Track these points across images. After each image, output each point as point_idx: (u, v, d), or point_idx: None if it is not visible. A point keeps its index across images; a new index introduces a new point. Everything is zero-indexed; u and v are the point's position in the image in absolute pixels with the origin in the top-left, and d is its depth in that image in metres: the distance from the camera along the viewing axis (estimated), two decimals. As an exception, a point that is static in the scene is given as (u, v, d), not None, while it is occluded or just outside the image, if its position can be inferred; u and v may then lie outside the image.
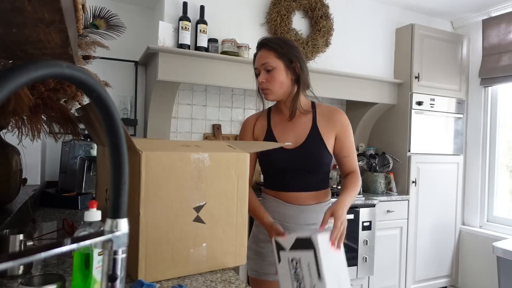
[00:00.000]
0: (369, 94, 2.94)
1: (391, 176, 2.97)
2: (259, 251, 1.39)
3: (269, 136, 1.40)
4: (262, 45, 1.34)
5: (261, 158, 1.40)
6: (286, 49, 1.30)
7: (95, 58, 1.48)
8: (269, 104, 1.47)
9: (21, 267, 0.92)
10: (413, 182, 2.94)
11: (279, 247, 1.17)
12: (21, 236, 0.93)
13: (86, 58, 1.44)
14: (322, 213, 1.32)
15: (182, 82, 2.30)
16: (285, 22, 2.60)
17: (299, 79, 1.33)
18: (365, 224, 2.56)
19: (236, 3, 2.52)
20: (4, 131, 1.26)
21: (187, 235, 0.95)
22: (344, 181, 1.35)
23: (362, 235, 2.55)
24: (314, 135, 1.33)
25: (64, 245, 0.36)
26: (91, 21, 1.51)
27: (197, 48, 2.32)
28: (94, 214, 0.75)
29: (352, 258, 2.53)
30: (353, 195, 1.27)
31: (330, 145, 1.34)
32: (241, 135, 1.49)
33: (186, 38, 2.27)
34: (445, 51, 3.09)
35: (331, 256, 1.15)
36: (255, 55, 1.37)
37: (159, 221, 0.91)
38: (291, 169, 1.35)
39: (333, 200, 1.33)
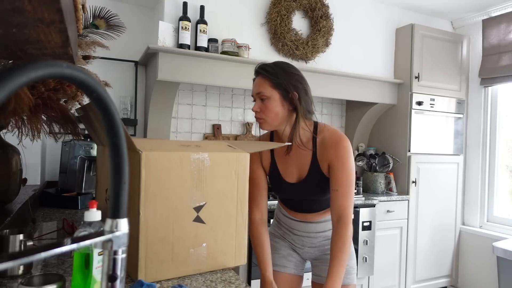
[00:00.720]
0: (369, 94, 2.94)
1: (391, 176, 2.97)
2: (272, 245, 1.42)
3: (274, 169, 1.34)
4: (258, 72, 1.25)
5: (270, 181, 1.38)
6: (283, 78, 1.21)
7: (95, 58, 1.48)
8: None
9: (21, 267, 0.92)
10: (413, 182, 2.94)
11: None
12: (21, 236, 0.94)
13: (86, 58, 1.44)
14: (331, 223, 1.30)
15: (182, 82, 2.30)
16: (285, 22, 2.60)
17: (297, 109, 1.23)
18: (365, 224, 2.55)
19: (236, 3, 2.52)
20: (4, 131, 1.26)
21: (187, 235, 0.95)
22: (331, 241, 1.21)
23: (362, 235, 2.55)
24: (315, 168, 1.26)
25: (64, 245, 0.36)
26: (91, 21, 1.51)
27: (197, 48, 2.32)
28: (94, 214, 0.75)
29: (352, 258, 2.52)
30: (344, 263, 1.17)
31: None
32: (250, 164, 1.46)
33: (186, 38, 2.27)
34: (445, 51, 3.09)
35: None
36: (253, 80, 1.30)
37: (159, 221, 0.91)
38: (295, 199, 1.36)
39: None
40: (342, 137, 1.24)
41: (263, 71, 1.23)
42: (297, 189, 1.31)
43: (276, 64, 1.26)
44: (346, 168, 1.21)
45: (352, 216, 1.25)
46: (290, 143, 1.30)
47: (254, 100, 1.27)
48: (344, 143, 1.23)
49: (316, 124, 1.29)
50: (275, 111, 1.21)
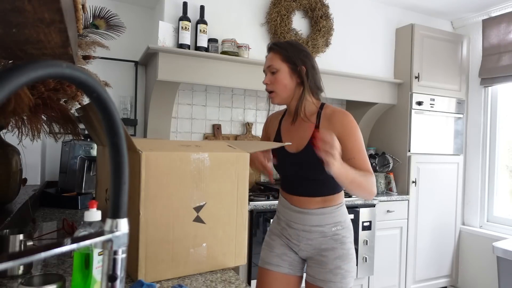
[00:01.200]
0: (369, 94, 2.94)
1: (391, 176, 2.97)
2: (269, 242, 1.43)
3: (277, 136, 1.43)
4: (270, 48, 1.36)
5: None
6: (292, 52, 1.31)
7: (95, 58, 1.48)
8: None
9: (21, 267, 0.92)
10: (413, 182, 2.94)
11: None
12: (21, 236, 0.94)
13: (86, 58, 1.44)
14: (328, 217, 1.32)
15: (182, 82, 2.30)
16: (285, 22, 2.60)
17: (304, 82, 1.32)
18: (365, 224, 2.55)
19: (236, 3, 2.52)
20: (4, 131, 1.26)
21: (187, 235, 0.95)
22: None
23: (362, 235, 2.55)
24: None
25: (64, 245, 0.36)
26: (91, 21, 1.51)
27: (197, 48, 2.32)
28: (94, 214, 0.75)
29: (352, 258, 2.52)
30: (354, 179, 1.18)
31: None
32: (262, 132, 1.58)
33: (186, 38, 2.27)
34: (445, 51, 3.09)
35: None
36: (266, 57, 1.40)
37: (159, 221, 0.91)
38: (293, 175, 1.36)
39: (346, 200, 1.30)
40: (347, 113, 1.31)
41: (275, 45, 1.34)
42: (294, 159, 1.33)
43: (287, 41, 1.39)
44: (357, 138, 1.27)
45: (374, 192, 1.25)
46: (290, 143, 1.31)
47: (266, 76, 1.36)
48: (350, 117, 1.30)
49: (323, 104, 1.37)
50: (284, 83, 1.31)
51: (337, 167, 1.09)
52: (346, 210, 1.39)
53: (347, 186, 1.19)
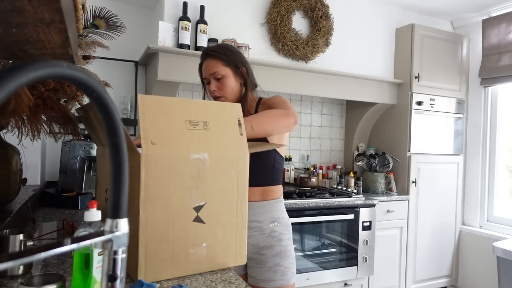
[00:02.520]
0: (369, 94, 2.94)
1: (391, 176, 2.97)
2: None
3: None
4: (208, 55, 1.37)
5: None
6: (232, 56, 1.35)
7: (95, 58, 1.48)
8: None
9: (21, 267, 0.92)
10: (413, 182, 2.94)
11: None
12: (21, 236, 0.93)
13: (86, 58, 1.44)
14: (266, 211, 1.35)
15: (182, 82, 2.30)
16: (285, 22, 2.60)
17: (247, 82, 1.38)
18: (365, 224, 2.56)
19: (236, 3, 2.52)
20: (4, 131, 1.26)
21: (187, 235, 0.95)
22: None
23: (362, 235, 2.55)
24: None
25: (64, 245, 0.36)
26: (91, 21, 1.51)
27: (197, 48, 2.32)
28: (94, 214, 0.75)
29: (352, 258, 2.53)
30: (257, 115, 1.20)
31: (272, 139, 1.33)
32: None
33: (186, 38, 2.27)
34: (445, 51, 3.09)
35: None
36: (200, 66, 1.40)
37: (159, 221, 0.91)
38: None
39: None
40: (274, 96, 1.39)
41: (213, 52, 1.35)
42: None
43: (220, 45, 1.41)
44: (276, 98, 1.35)
45: (292, 113, 1.24)
46: (286, 145, 1.31)
47: (207, 83, 1.38)
48: (275, 96, 1.37)
49: (260, 98, 1.44)
50: (231, 86, 1.35)
51: None
52: (284, 207, 1.42)
53: (256, 132, 1.18)
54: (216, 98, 1.37)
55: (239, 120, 1.08)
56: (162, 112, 0.93)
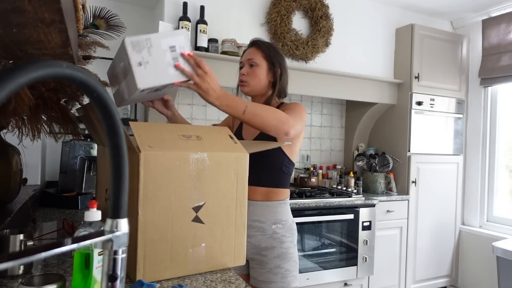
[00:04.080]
0: (369, 94, 2.94)
1: (391, 176, 2.97)
2: None
3: (239, 129, 1.49)
4: (254, 43, 1.43)
5: None
6: (273, 53, 1.40)
7: (95, 58, 1.48)
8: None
9: (21, 267, 0.92)
10: (413, 182, 2.94)
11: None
12: (21, 236, 0.94)
13: (86, 58, 1.44)
14: (270, 212, 1.34)
15: (182, 82, 2.30)
16: (285, 22, 2.60)
17: (276, 84, 1.40)
18: (365, 224, 2.56)
19: (236, 3, 2.52)
20: (4, 131, 1.26)
21: (186, 235, 0.95)
22: None
23: (362, 235, 2.55)
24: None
25: (64, 245, 0.36)
26: (91, 21, 1.51)
27: (197, 48, 2.32)
28: (94, 214, 0.75)
29: (352, 258, 2.53)
30: (255, 105, 1.15)
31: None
32: (222, 122, 1.63)
33: (186, 38, 2.27)
34: (445, 51, 3.09)
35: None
36: (244, 51, 1.46)
37: (158, 221, 0.91)
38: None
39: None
40: (293, 102, 1.40)
41: (259, 43, 1.42)
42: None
43: (269, 42, 1.47)
44: (292, 106, 1.34)
45: (291, 125, 1.18)
46: (290, 143, 1.31)
47: (241, 68, 1.41)
48: (296, 103, 1.38)
49: (282, 102, 1.45)
50: (259, 77, 1.38)
51: (214, 94, 1.07)
52: (289, 210, 1.41)
53: (245, 118, 1.13)
54: (241, 83, 1.40)
55: (230, 135, 1.10)
56: (155, 131, 0.97)
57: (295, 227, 1.40)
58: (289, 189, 1.43)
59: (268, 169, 1.35)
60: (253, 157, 1.26)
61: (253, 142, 1.40)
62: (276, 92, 1.41)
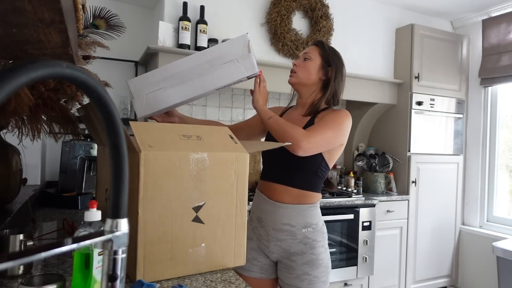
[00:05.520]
0: (369, 94, 2.94)
1: (391, 176, 2.97)
2: None
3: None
4: (315, 42, 1.46)
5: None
6: (331, 54, 1.41)
7: (95, 58, 1.48)
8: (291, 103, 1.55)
9: (21, 267, 0.92)
10: (413, 182, 2.94)
11: None
12: (21, 236, 0.93)
13: (86, 58, 1.44)
14: (300, 215, 1.31)
15: (182, 82, 2.30)
16: (285, 22, 2.60)
17: (328, 86, 1.39)
18: (365, 224, 2.56)
19: (236, 3, 2.52)
20: (4, 131, 1.26)
21: (186, 235, 0.95)
22: None
23: (362, 235, 2.55)
24: (306, 126, 1.34)
25: (64, 245, 0.36)
26: (91, 21, 1.51)
27: (197, 48, 2.32)
28: (94, 214, 0.75)
29: (352, 258, 2.53)
30: (281, 121, 1.27)
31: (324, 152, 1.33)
32: (252, 119, 1.65)
33: (186, 38, 2.27)
34: (445, 51, 3.09)
35: None
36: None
37: (158, 221, 0.91)
38: (276, 160, 1.36)
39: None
40: (342, 110, 1.37)
41: (321, 42, 1.44)
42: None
43: (332, 47, 1.48)
44: (331, 118, 1.32)
45: (310, 144, 1.23)
46: (290, 143, 1.30)
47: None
48: (341, 111, 1.36)
49: (327, 107, 1.43)
50: (310, 71, 1.38)
51: (259, 102, 1.33)
52: (320, 213, 1.37)
53: (268, 125, 1.28)
54: (290, 73, 1.41)
55: (230, 135, 1.10)
56: (155, 131, 0.97)
57: (325, 229, 1.37)
58: (320, 193, 1.39)
59: (303, 171, 1.32)
60: (288, 157, 1.27)
61: (254, 142, 1.40)
62: (327, 95, 1.38)
